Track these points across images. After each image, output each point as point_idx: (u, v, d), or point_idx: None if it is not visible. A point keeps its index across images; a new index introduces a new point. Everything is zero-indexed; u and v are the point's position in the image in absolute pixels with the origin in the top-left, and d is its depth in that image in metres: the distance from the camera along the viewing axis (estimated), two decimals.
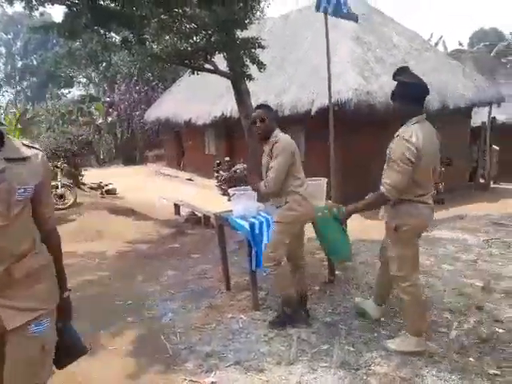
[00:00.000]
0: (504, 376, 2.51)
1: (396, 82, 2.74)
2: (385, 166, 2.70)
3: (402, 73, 2.75)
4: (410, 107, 2.66)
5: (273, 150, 2.99)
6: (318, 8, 5.33)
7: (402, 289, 2.74)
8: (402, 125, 2.67)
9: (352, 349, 2.86)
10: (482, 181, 10.86)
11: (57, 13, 54.29)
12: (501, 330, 3.02)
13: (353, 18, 5.70)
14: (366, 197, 2.88)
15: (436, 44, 21.40)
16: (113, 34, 7.59)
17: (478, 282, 3.88)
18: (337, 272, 4.10)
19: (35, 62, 35.09)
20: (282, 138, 3.04)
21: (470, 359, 2.69)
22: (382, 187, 2.63)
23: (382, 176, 2.68)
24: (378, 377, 2.55)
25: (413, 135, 2.53)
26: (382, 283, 3.13)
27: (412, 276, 2.72)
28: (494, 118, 11.65)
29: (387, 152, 2.67)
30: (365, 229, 5.74)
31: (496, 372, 2.55)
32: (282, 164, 2.95)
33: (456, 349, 2.80)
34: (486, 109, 10.88)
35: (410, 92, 2.67)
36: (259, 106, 3.27)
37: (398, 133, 2.65)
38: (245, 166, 9.53)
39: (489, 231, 5.64)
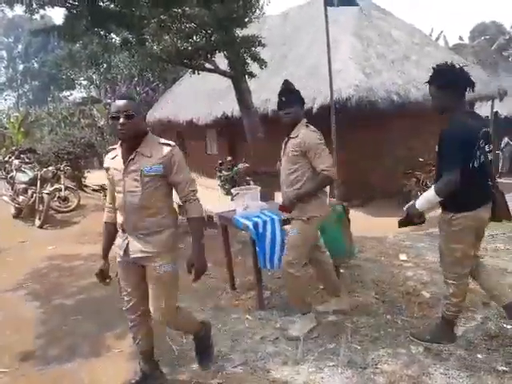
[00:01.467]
0: None
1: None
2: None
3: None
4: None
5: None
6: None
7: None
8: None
9: (359, 347, 2.84)
10: None
11: (57, 15, 54.38)
12: (508, 326, 2.99)
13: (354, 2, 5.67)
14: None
15: (437, 39, 21.30)
16: (113, 36, 7.60)
17: None
18: (341, 270, 4.08)
19: (36, 65, 35.17)
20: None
21: (478, 356, 2.67)
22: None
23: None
24: (386, 375, 2.53)
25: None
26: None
27: None
28: (497, 112, 11.59)
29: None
30: (369, 226, 5.72)
31: (505, 368, 2.52)
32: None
33: (463, 346, 2.78)
34: (489, 103, 10.82)
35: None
36: None
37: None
38: (247, 165, 9.52)
39: (494, 226, 5.60)
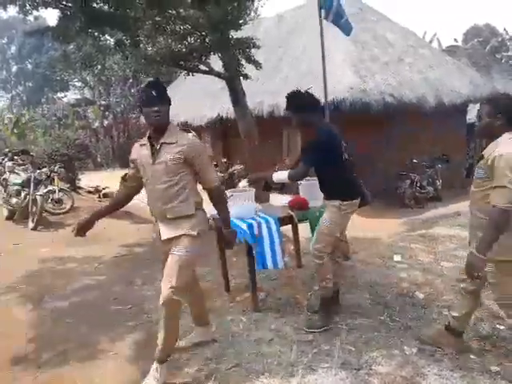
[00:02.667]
0: (504, 373, 2.50)
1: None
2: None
3: None
4: None
5: None
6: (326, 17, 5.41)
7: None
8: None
9: (353, 349, 2.85)
10: None
11: (51, 16, 54.11)
12: (501, 327, 3.02)
13: (347, 29, 5.76)
14: None
15: (431, 41, 21.43)
16: (107, 37, 7.56)
17: None
18: None
19: (30, 67, 34.96)
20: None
21: (471, 356, 2.68)
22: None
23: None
24: (380, 376, 2.54)
25: None
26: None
27: None
28: None
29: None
30: (363, 227, 5.73)
31: (497, 369, 2.54)
32: None
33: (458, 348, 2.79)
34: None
35: None
36: None
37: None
38: (242, 166, 9.52)
39: None
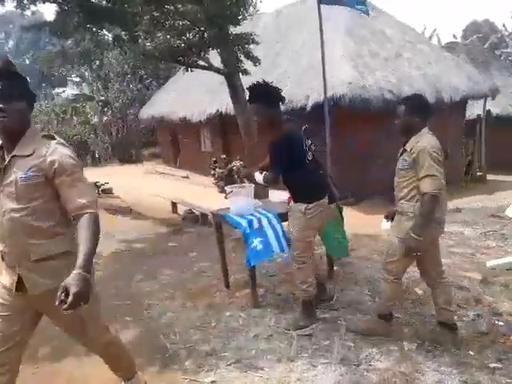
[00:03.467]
0: (504, 369, 2.51)
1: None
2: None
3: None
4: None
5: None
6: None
7: None
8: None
9: (352, 344, 2.86)
10: (478, 173, 10.88)
11: (49, 11, 53.75)
12: (500, 323, 3.03)
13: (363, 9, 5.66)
14: None
15: (430, 37, 21.40)
16: (105, 32, 7.53)
17: (476, 275, 3.89)
18: (335, 267, 4.09)
19: (28, 62, 34.80)
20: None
21: (470, 353, 2.69)
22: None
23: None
24: (379, 372, 2.55)
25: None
26: None
27: None
28: (489, 110, 11.67)
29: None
30: (362, 224, 5.74)
31: (496, 365, 2.55)
32: None
33: (456, 343, 2.80)
34: (481, 101, 10.89)
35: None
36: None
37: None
38: (241, 163, 9.51)
39: (486, 224, 5.66)
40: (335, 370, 2.60)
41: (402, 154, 2.73)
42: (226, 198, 3.72)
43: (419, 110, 2.67)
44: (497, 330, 2.93)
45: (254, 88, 3.00)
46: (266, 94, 2.99)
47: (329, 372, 2.58)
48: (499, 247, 4.77)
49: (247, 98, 3.08)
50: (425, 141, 2.58)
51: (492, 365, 2.55)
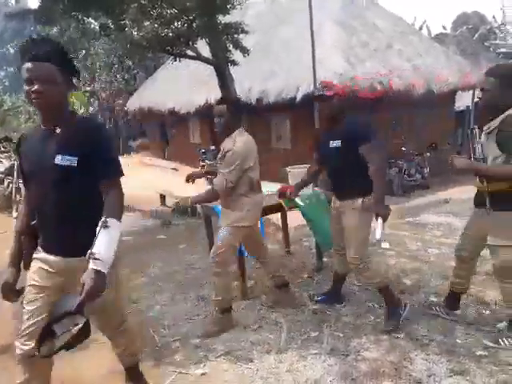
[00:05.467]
0: (491, 356, 2.55)
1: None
2: None
3: None
4: None
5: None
6: None
7: None
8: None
9: (341, 335, 2.87)
10: None
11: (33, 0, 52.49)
12: (486, 312, 3.07)
13: None
14: None
15: (420, 28, 21.39)
16: (91, 21, 7.38)
17: None
18: (325, 259, 4.10)
19: (12, 51, 34.03)
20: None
21: (457, 341, 2.72)
22: None
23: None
24: (368, 362, 2.57)
25: None
26: None
27: None
28: (478, 102, 11.75)
29: None
30: None
31: (483, 353, 2.59)
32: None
33: (443, 331, 2.83)
34: (470, 93, 10.95)
35: None
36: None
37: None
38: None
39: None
40: (324, 360, 2.61)
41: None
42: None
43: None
44: (483, 319, 2.96)
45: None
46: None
47: (318, 362, 2.59)
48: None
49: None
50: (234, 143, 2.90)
51: (479, 353, 2.59)
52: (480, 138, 2.52)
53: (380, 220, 2.81)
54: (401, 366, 2.50)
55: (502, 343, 2.63)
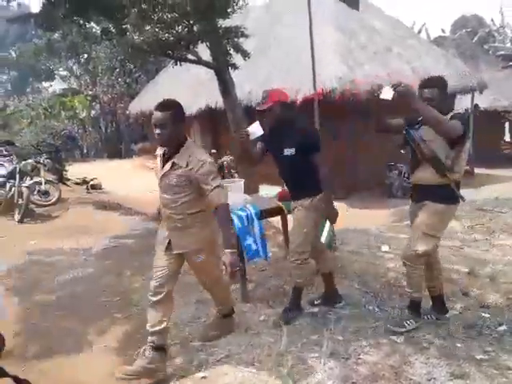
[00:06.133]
0: (491, 360, 2.55)
1: None
2: None
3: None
4: None
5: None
6: None
7: None
8: None
9: (341, 338, 2.87)
10: (465, 167, 10.97)
11: (35, 3, 52.64)
12: (486, 315, 3.07)
13: None
14: None
15: (419, 31, 21.46)
16: (93, 25, 7.41)
17: (463, 267, 3.93)
18: None
19: (14, 55, 34.17)
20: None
21: (457, 345, 2.73)
22: None
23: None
24: (368, 365, 2.57)
25: None
26: None
27: None
28: (476, 104, 11.77)
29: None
30: (352, 218, 5.77)
31: (483, 357, 2.59)
32: None
33: (443, 335, 2.84)
34: (469, 96, 10.97)
35: None
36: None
37: None
38: (231, 158, 9.47)
39: (473, 217, 5.72)
40: (325, 363, 2.61)
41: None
42: None
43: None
44: (483, 323, 2.97)
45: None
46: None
47: (318, 366, 2.60)
48: (486, 240, 4.83)
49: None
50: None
51: (479, 356, 2.59)
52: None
53: (327, 222, 2.94)
54: (401, 370, 2.51)
55: (406, 326, 2.89)
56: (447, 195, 2.77)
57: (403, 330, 2.88)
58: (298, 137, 2.97)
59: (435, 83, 2.83)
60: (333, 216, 3.12)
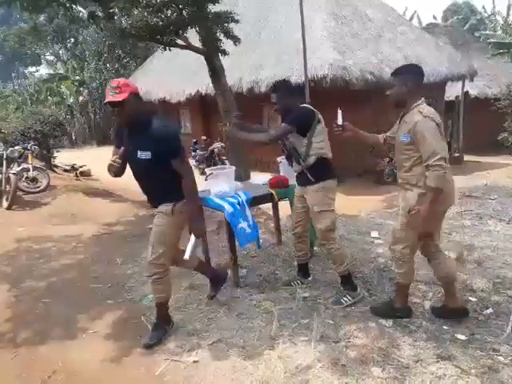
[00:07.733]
0: (476, 342, 2.62)
1: None
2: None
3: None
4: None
5: None
6: None
7: None
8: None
9: (331, 322, 2.92)
10: (455, 154, 11.08)
11: None
12: (473, 299, 3.14)
13: None
14: None
15: (411, 18, 21.40)
16: (80, 8, 7.25)
17: (451, 253, 3.99)
18: (315, 248, 4.14)
19: None
20: None
21: (444, 327, 2.79)
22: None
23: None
24: (357, 348, 2.62)
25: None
26: None
27: None
28: (467, 92, 11.82)
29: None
30: (342, 204, 5.78)
31: (468, 338, 2.65)
32: None
33: (430, 318, 2.90)
34: (459, 83, 11.01)
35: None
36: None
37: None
38: (222, 144, 9.43)
39: (462, 203, 5.80)
40: (315, 347, 2.66)
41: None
42: (206, 179, 3.69)
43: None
44: (470, 306, 3.03)
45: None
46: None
47: (309, 349, 2.64)
48: (474, 226, 4.90)
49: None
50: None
51: (465, 338, 2.65)
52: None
53: (192, 236, 2.85)
54: (389, 352, 2.56)
55: (344, 302, 3.11)
56: (316, 175, 3.12)
57: (341, 306, 3.09)
58: (156, 139, 2.55)
59: (275, 88, 3.20)
60: (200, 232, 2.86)
